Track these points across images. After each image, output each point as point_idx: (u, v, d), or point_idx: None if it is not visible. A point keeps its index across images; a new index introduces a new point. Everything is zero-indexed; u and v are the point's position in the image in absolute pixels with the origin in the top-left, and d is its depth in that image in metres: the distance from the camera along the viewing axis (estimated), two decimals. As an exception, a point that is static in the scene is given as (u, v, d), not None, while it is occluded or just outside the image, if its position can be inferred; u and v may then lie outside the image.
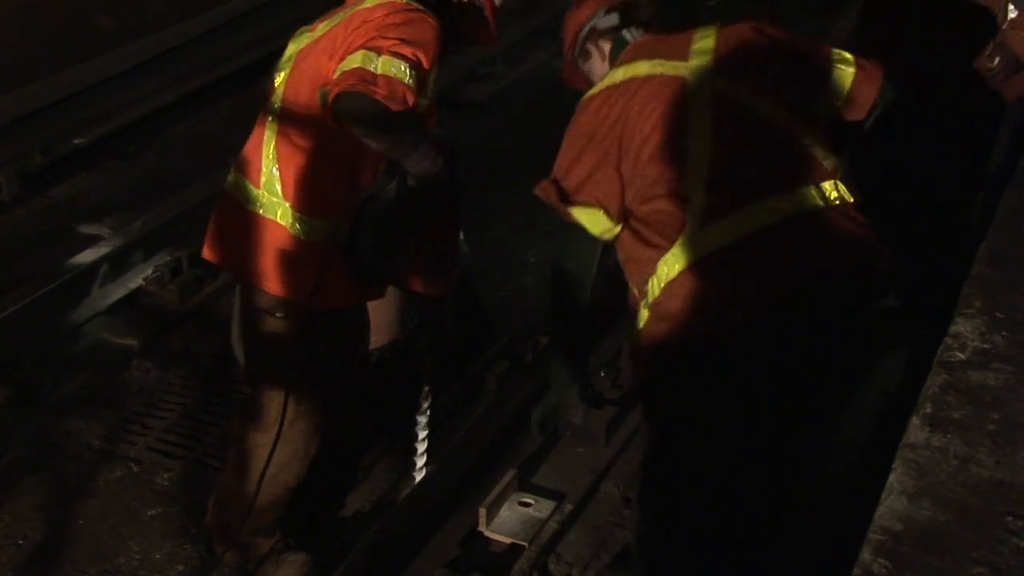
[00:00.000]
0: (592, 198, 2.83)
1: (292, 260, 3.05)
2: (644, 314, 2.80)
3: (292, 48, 3.16)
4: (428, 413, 3.59)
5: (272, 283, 3.09)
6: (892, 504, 2.09)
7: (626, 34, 3.10)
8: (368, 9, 3.00)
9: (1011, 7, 3.98)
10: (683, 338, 2.73)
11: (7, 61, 6.65)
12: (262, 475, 3.25)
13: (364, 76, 2.81)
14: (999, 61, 3.96)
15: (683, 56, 2.93)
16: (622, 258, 2.88)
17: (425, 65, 2.92)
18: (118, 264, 5.04)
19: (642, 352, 2.85)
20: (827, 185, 2.81)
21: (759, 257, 2.73)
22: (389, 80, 2.82)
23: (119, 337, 4.73)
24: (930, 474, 2.16)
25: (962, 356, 2.53)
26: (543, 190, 2.91)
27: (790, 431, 3.04)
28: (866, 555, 1.98)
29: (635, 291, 2.85)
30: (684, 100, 2.84)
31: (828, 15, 7.70)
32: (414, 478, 3.66)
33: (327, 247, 3.03)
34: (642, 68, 2.94)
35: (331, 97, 2.84)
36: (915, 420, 2.33)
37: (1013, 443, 2.24)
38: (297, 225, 3.04)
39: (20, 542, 3.65)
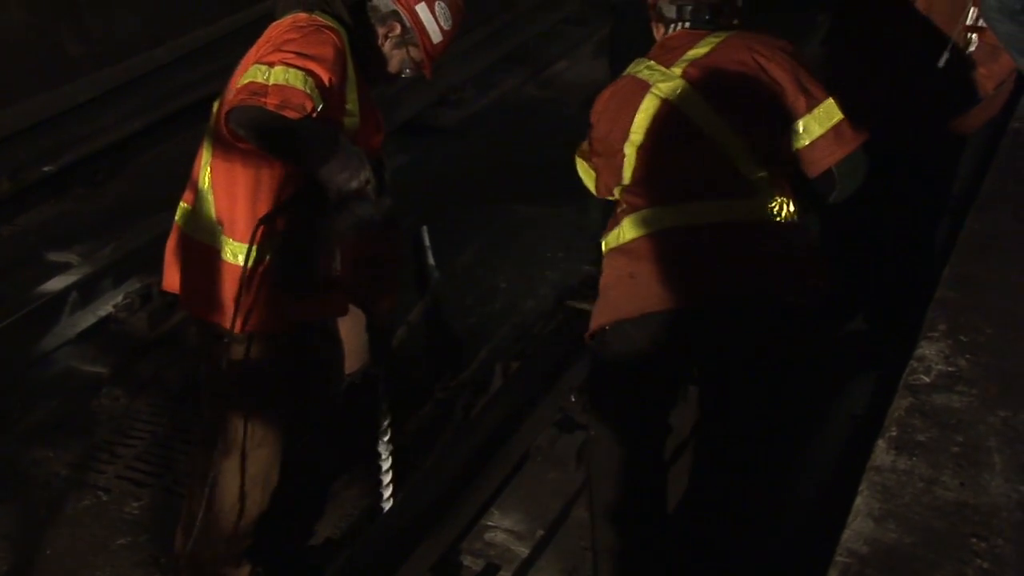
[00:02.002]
0: (592, 163, 3.38)
1: (223, 284, 3.01)
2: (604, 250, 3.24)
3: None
4: (390, 440, 3.59)
5: (210, 308, 3.07)
6: (858, 527, 2.11)
7: (672, 25, 3.34)
8: (272, 27, 2.95)
9: (972, 38, 4.04)
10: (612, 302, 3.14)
11: (-25, 88, 6.64)
12: (226, 503, 3.23)
13: (254, 89, 2.71)
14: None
15: (670, 62, 3.19)
16: None
17: (322, 76, 2.79)
18: (88, 292, 5.01)
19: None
20: (755, 202, 3.05)
21: (659, 255, 3.03)
22: (281, 88, 2.70)
23: (88, 365, 4.71)
24: (896, 497, 2.19)
25: (927, 379, 2.56)
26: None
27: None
28: (833, 577, 2.00)
29: None
30: (636, 105, 3.16)
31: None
32: (381, 506, 3.66)
33: (256, 270, 3.00)
34: (635, 67, 3.27)
35: (223, 115, 2.78)
36: (881, 443, 2.35)
37: (977, 465, 2.27)
38: (227, 248, 3.01)
39: (-13, 572, 3.63)
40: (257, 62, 2.78)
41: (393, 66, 3.17)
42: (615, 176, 3.23)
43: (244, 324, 3.02)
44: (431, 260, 5.22)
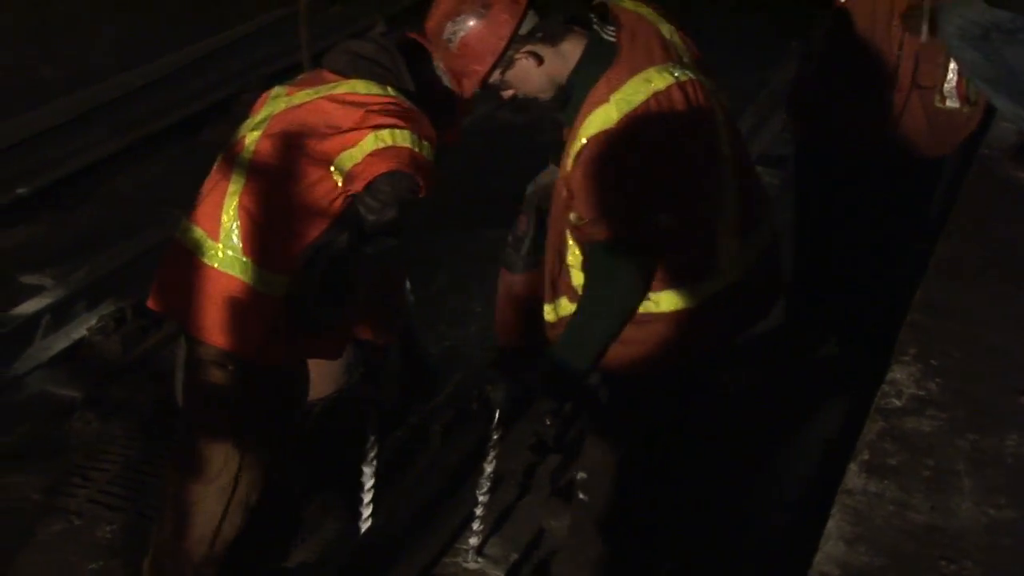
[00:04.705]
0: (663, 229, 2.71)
1: (243, 313, 3.02)
2: None
3: (266, 111, 3.12)
4: (374, 464, 3.59)
5: (220, 336, 3.06)
6: (830, 550, 2.13)
7: (603, 33, 2.77)
8: (366, 95, 2.96)
9: (951, 66, 4.05)
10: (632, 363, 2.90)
11: (-53, 111, 6.63)
12: (204, 529, 3.22)
13: (417, 159, 2.85)
14: None
15: (678, 62, 2.72)
16: None
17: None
18: (61, 314, 5.01)
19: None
20: None
21: (723, 309, 2.87)
22: (431, 168, 2.89)
23: (61, 388, 4.68)
24: (867, 520, 2.21)
25: (898, 403, 2.59)
26: (632, 231, 2.71)
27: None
28: (805, 600, 2.02)
29: None
30: (715, 119, 2.74)
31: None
32: (359, 529, 3.65)
33: (280, 302, 3.02)
34: (681, 75, 2.68)
35: (374, 169, 2.84)
36: (853, 466, 2.38)
37: (946, 489, 2.29)
38: (257, 279, 3.00)
39: (-43, 598, 3.60)
40: (408, 129, 2.87)
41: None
42: (704, 210, 2.75)
43: (262, 354, 3.04)
44: (408, 283, 5.23)
